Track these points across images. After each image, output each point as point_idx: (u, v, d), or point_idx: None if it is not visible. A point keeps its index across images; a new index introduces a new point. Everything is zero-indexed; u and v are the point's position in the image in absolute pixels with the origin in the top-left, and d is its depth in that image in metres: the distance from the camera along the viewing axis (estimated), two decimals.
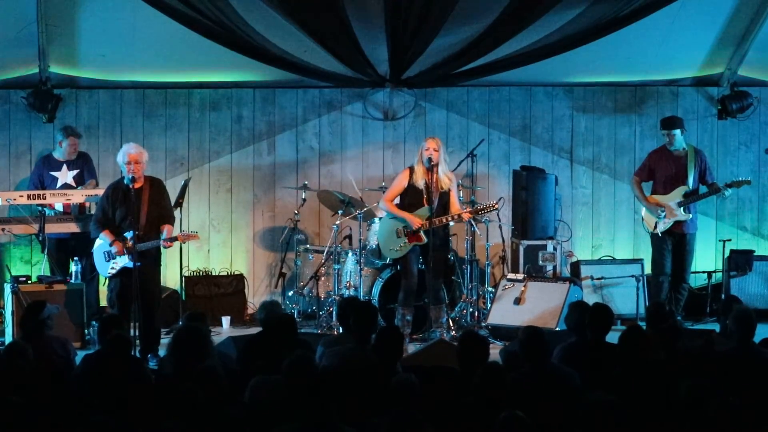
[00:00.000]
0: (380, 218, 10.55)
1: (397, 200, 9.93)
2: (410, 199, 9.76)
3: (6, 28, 10.19)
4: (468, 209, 9.91)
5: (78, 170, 10.64)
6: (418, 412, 5.56)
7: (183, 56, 10.84)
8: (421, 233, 9.59)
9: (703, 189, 10.55)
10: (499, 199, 10.35)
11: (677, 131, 10.50)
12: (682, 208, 10.38)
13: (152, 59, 10.92)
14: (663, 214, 10.38)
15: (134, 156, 9.22)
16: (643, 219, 10.70)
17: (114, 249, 9.22)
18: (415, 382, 5.80)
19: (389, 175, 11.38)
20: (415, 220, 9.63)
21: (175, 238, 9.29)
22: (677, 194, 10.41)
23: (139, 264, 9.00)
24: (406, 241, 9.67)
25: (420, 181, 9.67)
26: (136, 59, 10.85)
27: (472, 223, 10.32)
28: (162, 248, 9.44)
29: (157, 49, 10.70)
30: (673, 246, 10.50)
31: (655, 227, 10.47)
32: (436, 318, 9.74)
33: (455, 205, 9.77)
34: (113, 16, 10.19)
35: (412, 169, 9.76)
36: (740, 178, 10.68)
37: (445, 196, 9.73)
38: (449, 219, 9.69)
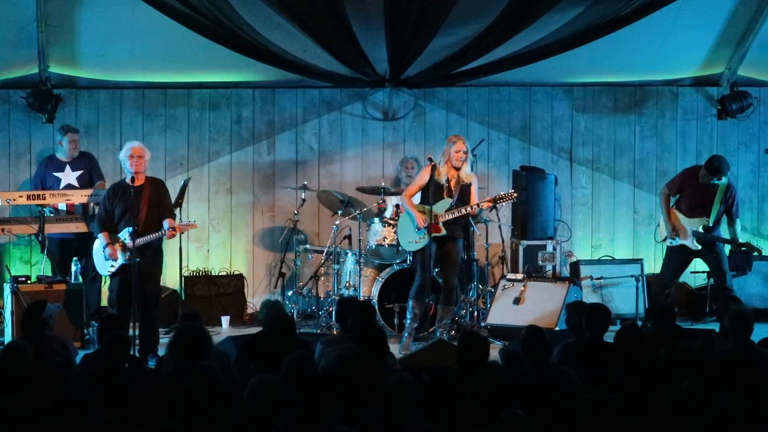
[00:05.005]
0: (380, 218, 10.58)
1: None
2: (431, 193, 9.73)
3: (6, 28, 10.20)
4: (488, 198, 9.83)
5: (82, 171, 10.63)
6: (413, 410, 5.58)
7: (183, 56, 10.85)
8: (440, 224, 9.57)
9: (723, 225, 10.28)
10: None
11: (723, 180, 10.14)
12: (693, 239, 10.26)
13: (152, 59, 10.92)
14: (676, 240, 10.24)
15: (138, 150, 9.28)
16: (658, 226, 10.55)
17: (107, 251, 9.24)
18: (410, 381, 5.80)
19: (389, 175, 11.39)
20: (419, 219, 9.63)
21: (174, 229, 9.27)
22: (697, 223, 10.20)
23: (138, 260, 9.02)
24: (425, 233, 9.64)
25: (442, 177, 9.66)
26: (136, 59, 10.85)
27: (472, 223, 10.31)
28: (163, 247, 9.46)
29: (156, 49, 10.70)
30: (702, 257, 10.34)
31: (665, 239, 10.38)
32: (441, 318, 9.73)
33: (475, 200, 9.73)
34: (113, 16, 10.20)
35: (434, 166, 9.72)
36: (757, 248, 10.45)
37: (465, 190, 9.70)
38: (465, 210, 9.62)
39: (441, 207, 9.62)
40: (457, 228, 9.71)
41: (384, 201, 10.87)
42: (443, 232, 9.57)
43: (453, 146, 9.66)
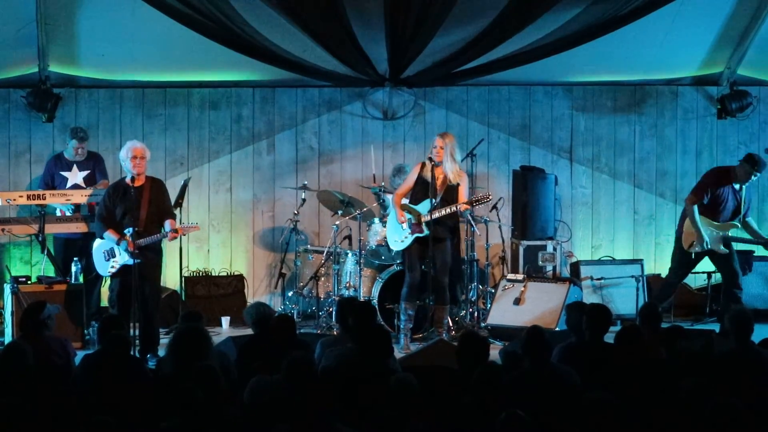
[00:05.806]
0: (379, 218, 10.59)
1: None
2: (417, 192, 9.74)
3: (6, 27, 10.19)
4: (465, 201, 9.81)
5: (89, 171, 10.64)
6: (416, 411, 5.57)
7: (183, 56, 10.84)
8: (422, 225, 9.58)
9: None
10: (499, 199, 10.35)
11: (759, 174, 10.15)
12: (720, 245, 10.20)
13: (152, 59, 10.92)
14: (706, 245, 10.17)
15: (139, 150, 9.26)
16: (683, 233, 10.41)
17: (123, 245, 9.17)
18: (413, 382, 5.80)
19: (389, 175, 11.37)
20: (399, 215, 9.67)
21: (176, 231, 9.26)
22: (726, 228, 10.19)
23: (139, 261, 9.01)
24: (409, 232, 9.65)
25: (428, 175, 9.68)
26: (136, 59, 10.85)
27: (472, 223, 10.32)
28: (163, 247, 9.45)
29: (156, 49, 10.70)
30: (711, 257, 10.35)
31: (690, 246, 10.27)
32: (438, 318, 9.72)
33: (463, 200, 9.71)
34: (113, 16, 10.20)
35: (424, 164, 9.74)
36: None
37: (452, 190, 9.68)
38: (446, 210, 9.61)
39: (423, 207, 9.63)
40: (443, 228, 9.68)
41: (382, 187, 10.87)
42: (425, 232, 9.57)
43: (433, 141, 9.72)
